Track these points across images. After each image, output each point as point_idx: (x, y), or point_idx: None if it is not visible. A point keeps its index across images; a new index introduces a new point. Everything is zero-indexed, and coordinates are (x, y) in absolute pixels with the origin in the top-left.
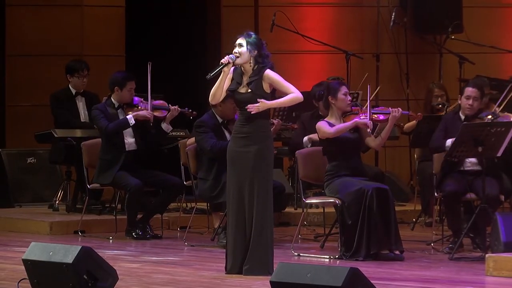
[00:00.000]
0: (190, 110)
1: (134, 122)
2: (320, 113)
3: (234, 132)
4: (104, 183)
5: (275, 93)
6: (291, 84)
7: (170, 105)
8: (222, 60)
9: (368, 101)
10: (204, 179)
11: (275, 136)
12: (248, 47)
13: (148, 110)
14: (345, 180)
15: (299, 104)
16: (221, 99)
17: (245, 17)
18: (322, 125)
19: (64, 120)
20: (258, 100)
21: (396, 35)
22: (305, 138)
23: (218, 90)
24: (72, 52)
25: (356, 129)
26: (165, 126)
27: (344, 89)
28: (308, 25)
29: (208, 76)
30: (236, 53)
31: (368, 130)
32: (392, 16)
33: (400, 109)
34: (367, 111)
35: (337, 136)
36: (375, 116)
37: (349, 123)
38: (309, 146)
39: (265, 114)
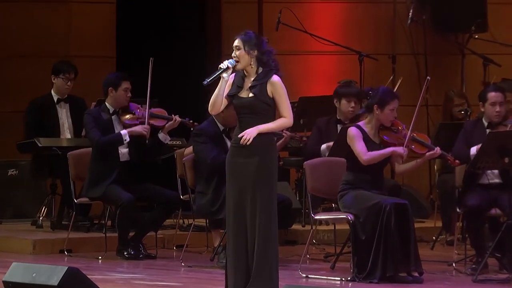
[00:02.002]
0: (192, 121)
1: (128, 139)
2: (338, 117)
3: (234, 142)
4: (94, 197)
5: None
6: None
7: (172, 115)
8: (221, 65)
9: (411, 126)
10: (202, 193)
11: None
12: (246, 48)
13: (145, 118)
14: (361, 194)
15: (309, 109)
16: (222, 108)
17: (248, 14)
18: (355, 140)
19: (30, 132)
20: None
21: (414, 34)
22: (323, 146)
23: (218, 99)
24: (57, 53)
25: (387, 146)
26: (162, 136)
27: (394, 104)
28: (317, 23)
29: (205, 82)
30: (235, 57)
31: (400, 160)
32: (410, 13)
33: (439, 149)
34: (406, 135)
35: (367, 149)
36: (413, 145)
37: (385, 152)
38: (327, 155)
39: (267, 121)
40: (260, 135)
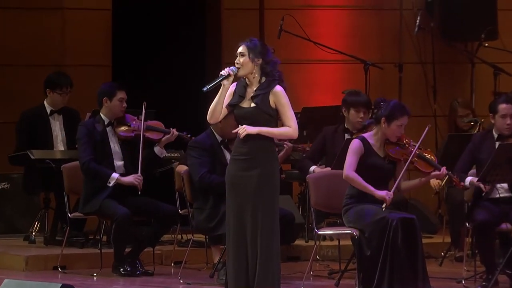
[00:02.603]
0: (189, 135)
1: (112, 184)
2: (346, 126)
3: (233, 154)
4: (90, 212)
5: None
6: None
7: (170, 128)
8: (222, 72)
9: (418, 144)
10: (200, 208)
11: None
12: (251, 55)
13: (140, 130)
14: (366, 208)
15: (313, 120)
16: (221, 117)
17: (249, 21)
18: (349, 154)
19: (22, 147)
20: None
21: (421, 42)
22: (312, 168)
23: (217, 107)
24: (51, 62)
25: (392, 160)
26: (158, 150)
27: (403, 120)
28: (321, 30)
29: (204, 89)
30: (238, 63)
31: (383, 206)
32: (417, 21)
33: (445, 170)
34: (412, 151)
35: (370, 162)
36: (419, 163)
37: (369, 188)
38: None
39: None
40: (261, 143)
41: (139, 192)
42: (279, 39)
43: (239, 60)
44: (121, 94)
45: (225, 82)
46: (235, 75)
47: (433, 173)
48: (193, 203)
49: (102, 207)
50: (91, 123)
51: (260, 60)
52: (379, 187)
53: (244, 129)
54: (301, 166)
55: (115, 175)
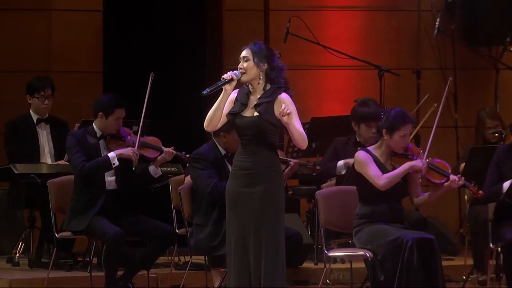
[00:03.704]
0: (188, 156)
1: (117, 163)
2: (358, 139)
3: (235, 168)
4: (77, 230)
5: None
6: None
7: (170, 148)
8: (224, 76)
9: (426, 152)
10: (201, 225)
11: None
12: (255, 59)
13: (134, 145)
14: (379, 228)
15: (322, 131)
16: (219, 125)
17: (253, 23)
18: (367, 165)
19: (14, 160)
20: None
21: (441, 46)
22: (341, 162)
23: (216, 113)
24: (36, 68)
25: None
26: (153, 169)
27: (405, 129)
28: (331, 33)
29: (204, 92)
30: (242, 68)
31: (419, 177)
32: (436, 23)
33: (462, 179)
34: (423, 159)
35: None
36: (429, 174)
37: (402, 169)
38: (343, 172)
39: (273, 144)
40: (265, 157)
41: (133, 167)
42: (285, 43)
43: (243, 64)
44: (119, 113)
45: (227, 86)
46: (238, 81)
47: (446, 183)
48: (191, 221)
49: (91, 226)
50: (82, 133)
51: (266, 65)
52: (393, 204)
53: (287, 111)
54: (325, 169)
55: (112, 154)
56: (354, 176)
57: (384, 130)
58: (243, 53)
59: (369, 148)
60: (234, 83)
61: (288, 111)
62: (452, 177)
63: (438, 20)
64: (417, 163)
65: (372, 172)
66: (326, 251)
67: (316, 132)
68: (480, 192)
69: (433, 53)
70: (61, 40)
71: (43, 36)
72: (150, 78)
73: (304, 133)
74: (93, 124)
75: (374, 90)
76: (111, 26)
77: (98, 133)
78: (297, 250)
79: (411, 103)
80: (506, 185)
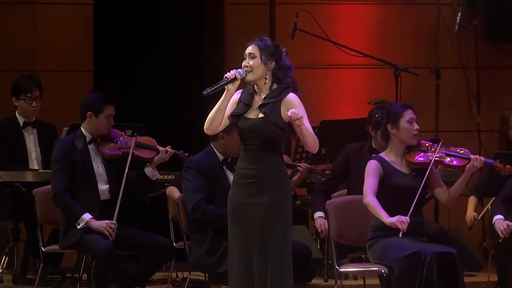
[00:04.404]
0: (187, 154)
1: (81, 226)
2: (373, 145)
3: (237, 176)
4: (69, 245)
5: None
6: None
7: (166, 147)
8: (227, 74)
9: (439, 145)
10: (199, 241)
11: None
12: (263, 57)
13: (129, 148)
14: (394, 241)
15: (333, 135)
16: (220, 128)
17: (257, 18)
18: (368, 175)
19: (1, 166)
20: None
21: (462, 43)
22: (318, 213)
23: (218, 115)
24: (21, 67)
25: (420, 171)
26: (150, 171)
27: (409, 113)
28: (343, 29)
29: (204, 92)
30: (247, 66)
31: (400, 234)
32: (458, 18)
33: (482, 158)
34: (435, 151)
35: (393, 183)
36: (448, 159)
37: (381, 215)
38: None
39: (279, 149)
40: (271, 164)
41: (111, 239)
42: (292, 39)
43: (249, 62)
44: (109, 110)
45: (229, 86)
46: (242, 80)
47: (469, 165)
48: (190, 234)
49: (81, 239)
50: (69, 140)
51: (273, 64)
52: (412, 215)
53: (298, 115)
54: (312, 200)
55: (86, 216)
56: None
57: (389, 126)
58: (249, 50)
59: (381, 154)
60: (237, 83)
61: (300, 115)
62: (472, 156)
63: (459, 14)
64: (393, 220)
65: (367, 185)
66: (337, 267)
67: (326, 137)
68: (508, 166)
69: (454, 50)
70: (48, 36)
71: (28, 31)
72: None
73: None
74: (81, 128)
75: (389, 91)
76: (103, 21)
77: (88, 137)
78: (306, 266)
79: (429, 105)
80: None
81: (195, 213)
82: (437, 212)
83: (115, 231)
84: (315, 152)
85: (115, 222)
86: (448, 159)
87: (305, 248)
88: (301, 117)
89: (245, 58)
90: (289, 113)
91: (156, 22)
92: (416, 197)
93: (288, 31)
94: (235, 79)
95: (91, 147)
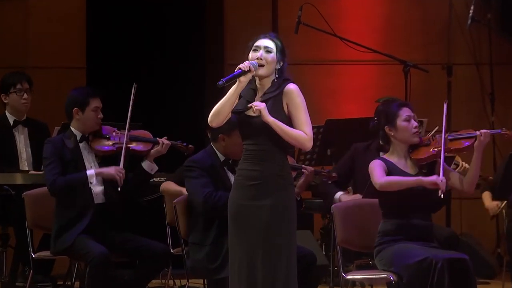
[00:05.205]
0: (185, 144)
1: (94, 182)
2: (381, 142)
3: (239, 178)
4: (60, 250)
5: None
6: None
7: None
8: (241, 65)
9: (444, 128)
10: (198, 244)
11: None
12: (278, 55)
13: (122, 143)
14: (404, 247)
15: (339, 135)
16: (225, 121)
17: (259, 12)
18: (374, 168)
19: None
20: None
21: (475, 38)
22: (338, 195)
23: (225, 107)
24: (11, 63)
25: (430, 166)
26: (147, 165)
27: (405, 112)
28: (350, 23)
29: (220, 82)
30: (261, 59)
31: (440, 193)
32: (470, 11)
33: (487, 131)
34: (441, 141)
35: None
36: (457, 142)
37: (410, 180)
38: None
39: (283, 149)
40: (274, 165)
41: (119, 188)
42: (296, 34)
43: (264, 55)
44: (95, 103)
45: (242, 78)
46: (256, 71)
47: (477, 142)
48: (188, 239)
49: (74, 245)
50: (59, 140)
51: (282, 64)
52: (421, 219)
53: (257, 106)
54: (324, 191)
55: (90, 172)
56: (373, 189)
57: (387, 128)
58: (265, 43)
59: (383, 156)
60: (250, 75)
61: (258, 108)
62: (477, 132)
63: (472, 7)
64: (432, 179)
65: (376, 175)
66: (343, 274)
67: (332, 137)
68: None
69: (467, 46)
70: (39, 32)
71: (19, 27)
72: (133, 90)
73: (302, 132)
74: (71, 127)
75: (398, 88)
76: (97, 16)
77: (78, 135)
78: (311, 272)
79: (441, 103)
80: None
81: (207, 203)
82: (448, 216)
83: (123, 176)
84: (307, 150)
85: (122, 168)
86: (454, 143)
87: (310, 254)
88: (258, 110)
89: (257, 50)
90: (249, 106)
91: (153, 19)
92: (442, 159)
93: (292, 25)
94: (249, 71)
95: (82, 145)
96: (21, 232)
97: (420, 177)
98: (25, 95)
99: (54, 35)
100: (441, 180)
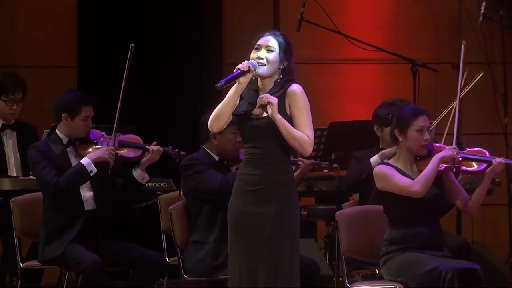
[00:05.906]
0: (177, 150)
1: (95, 169)
2: (380, 145)
3: (239, 183)
4: (50, 259)
5: None
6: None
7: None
8: (240, 66)
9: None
10: (200, 242)
11: (303, 188)
12: (281, 54)
13: (108, 146)
14: (412, 256)
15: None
16: (226, 125)
17: (259, 9)
18: (390, 174)
19: None
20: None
21: (487, 35)
22: (375, 157)
23: (225, 110)
24: (0, 62)
25: (437, 179)
26: (138, 174)
27: (421, 121)
28: (354, 21)
29: (218, 84)
30: (262, 58)
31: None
32: (482, 8)
33: (502, 160)
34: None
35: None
36: (468, 164)
37: (432, 164)
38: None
39: (286, 152)
40: (276, 169)
41: (109, 170)
42: (298, 32)
43: (265, 54)
44: (87, 112)
45: (241, 79)
46: (255, 71)
47: (488, 169)
48: (184, 248)
49: (65, 254)
50: (45, 144)
51: (286, 64)
52: (430, 226)
53: (269, 98)
54: (359, 169)
55: (85, 161)
56: (378, 196)
57: (396, 131)
58: (267, 41)
59: (389, 161)
60: (250, 76)
61: (269, 100)
62: (493, 160)
63: (483, 4)
64: (446, 152)
65: (401, 182)
66: (348, 284)
67: (336, 140)
68: None
69: (478, 44)
70: (27, 29)
71: (5, 24)
72: (130, 49)
73: (304, 135)
74: (56, 130)
75: (406, 88)
76: (88, 12)
77: (65, 140)
78: (314, 283)
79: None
80: None
81: (224, 187)
82: (459, 223)
83: (114, 157)
84: (306, 155)
85: (113, 148)
86: (465, 163)
87: (313, 264)
88: (270, 102)
89: (258, 49)
90: (261, 96)
91: (148, 16)
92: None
93: (294, 23)
94: (248, 71)
95: (69, 150)
96: (8, 241)
97: (436, 155)
98: (15, 106)
99: (43, 32)
100: (453, 152)
